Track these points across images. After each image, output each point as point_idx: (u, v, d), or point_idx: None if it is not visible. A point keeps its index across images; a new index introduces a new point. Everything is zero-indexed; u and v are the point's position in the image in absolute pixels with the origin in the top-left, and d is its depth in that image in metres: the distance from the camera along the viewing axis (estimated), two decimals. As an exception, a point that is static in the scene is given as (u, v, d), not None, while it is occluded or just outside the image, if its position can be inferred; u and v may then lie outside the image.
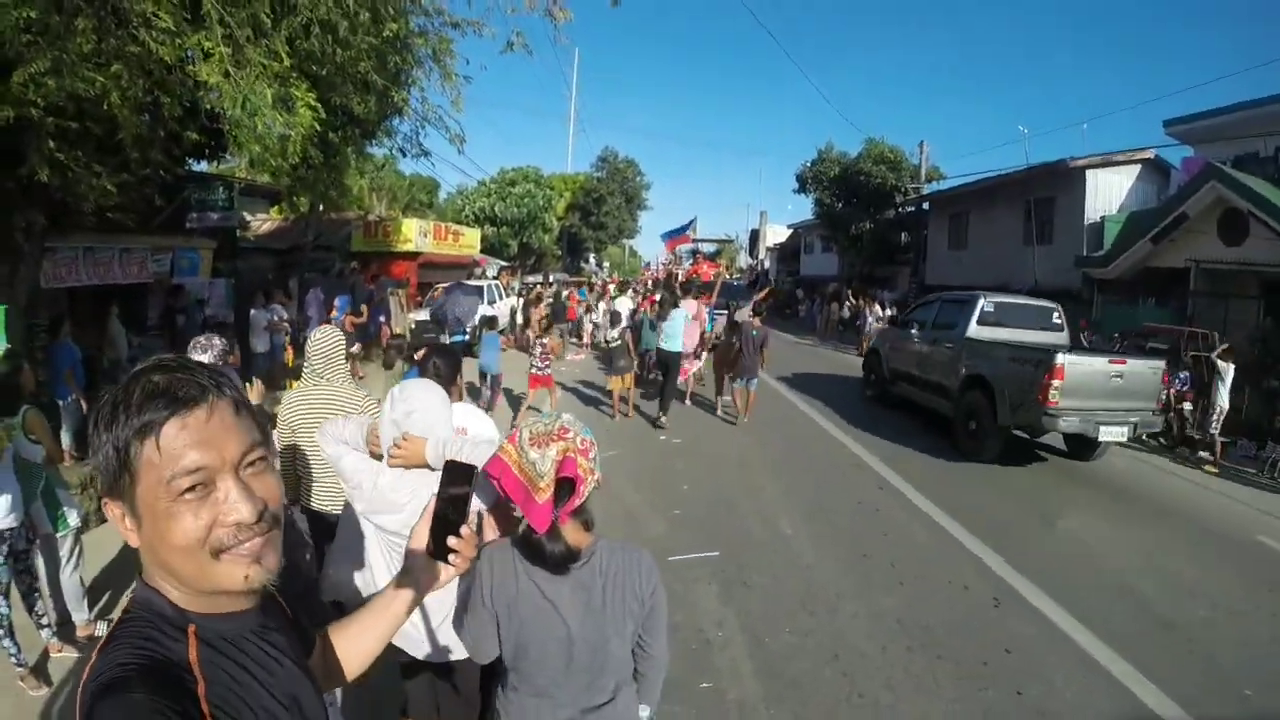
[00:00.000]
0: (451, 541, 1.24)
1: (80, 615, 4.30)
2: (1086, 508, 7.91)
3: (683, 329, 10.94)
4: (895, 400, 12.55)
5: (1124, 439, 9.23)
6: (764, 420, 11.00)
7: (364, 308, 13.71)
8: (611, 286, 25.94)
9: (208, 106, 5.54)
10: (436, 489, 1.28)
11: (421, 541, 1.28)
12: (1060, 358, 8.68)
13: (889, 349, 12.98)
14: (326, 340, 3.57)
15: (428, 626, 2.42)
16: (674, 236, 26.09)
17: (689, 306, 11.50)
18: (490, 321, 11.98)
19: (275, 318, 11.47)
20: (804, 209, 36.00)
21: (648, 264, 55.45)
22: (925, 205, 27.19)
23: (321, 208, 12.69)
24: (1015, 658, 4.52)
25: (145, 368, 0.99)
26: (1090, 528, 7.19)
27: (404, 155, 10.10)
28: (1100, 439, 8.98)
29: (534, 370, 9.70)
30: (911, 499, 7.59)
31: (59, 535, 4.15)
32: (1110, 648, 4.69)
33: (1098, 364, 9.06)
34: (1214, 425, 10.44)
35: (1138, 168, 19.40)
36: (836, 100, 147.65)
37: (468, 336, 15.16)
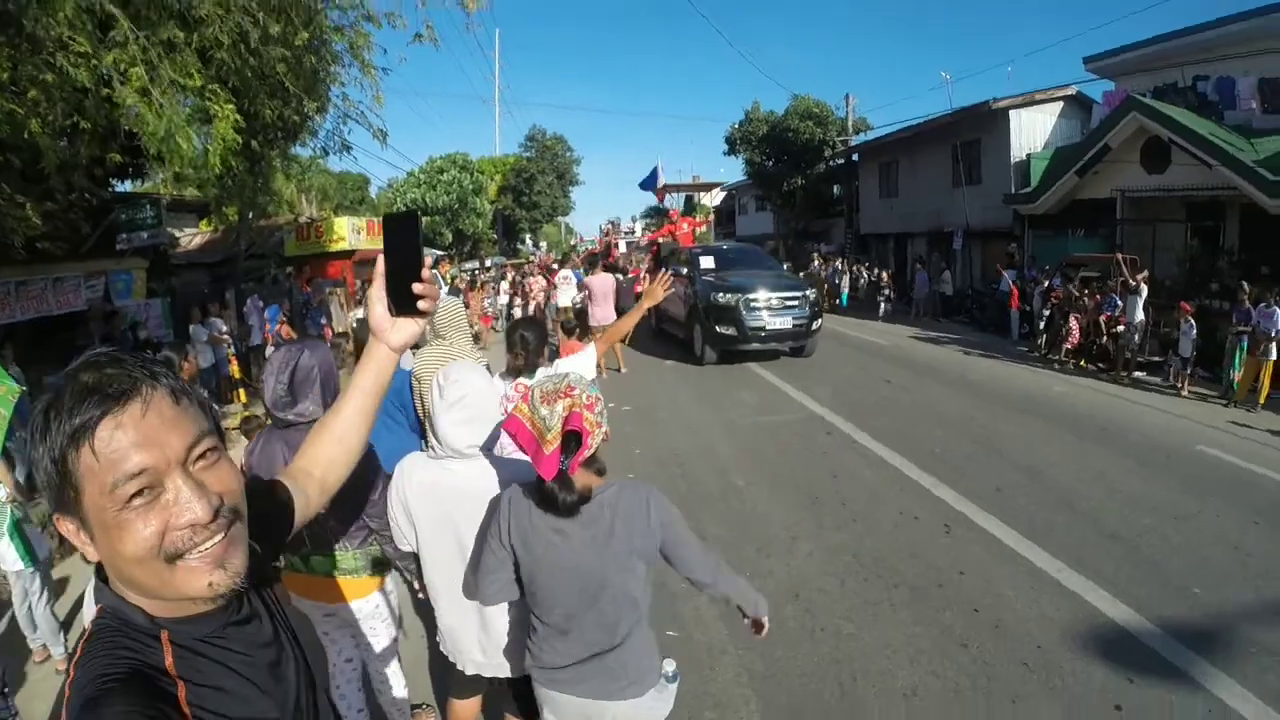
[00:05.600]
0: (417, 288, 1.26)
1: (58, 650, 4.29)
2: (1030, 432, 8.28)
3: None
4: None
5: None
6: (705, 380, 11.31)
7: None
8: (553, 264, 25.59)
9: (126, 127, 5.46)
10: (383, 247, 1.28)
11: (381, 306, 1.30)
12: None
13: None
14: (451, 309, 4.30)
15: (489, 646, 2.49)
16: (651, 187, 24.87)
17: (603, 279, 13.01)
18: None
19: (215, 331, 11.31)
20: (736, 171, 36.09)
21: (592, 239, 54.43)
22: (855, 157, 27.60)
23: (251, 215, 12.42)
24: (969, 578, 4.80)
25: (75, 366, 0.90)
26: (1035, 451, 7.52)
27: (328, 154, 10.06)
28: None
29: None
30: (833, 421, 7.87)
31: (29, 571, 4.13)
32: (1060, 560, 4.99)
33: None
34: (1134, 340, 11.50)
35: (1060, 104, 19.83)
36: (760, 59, 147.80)
37: None
